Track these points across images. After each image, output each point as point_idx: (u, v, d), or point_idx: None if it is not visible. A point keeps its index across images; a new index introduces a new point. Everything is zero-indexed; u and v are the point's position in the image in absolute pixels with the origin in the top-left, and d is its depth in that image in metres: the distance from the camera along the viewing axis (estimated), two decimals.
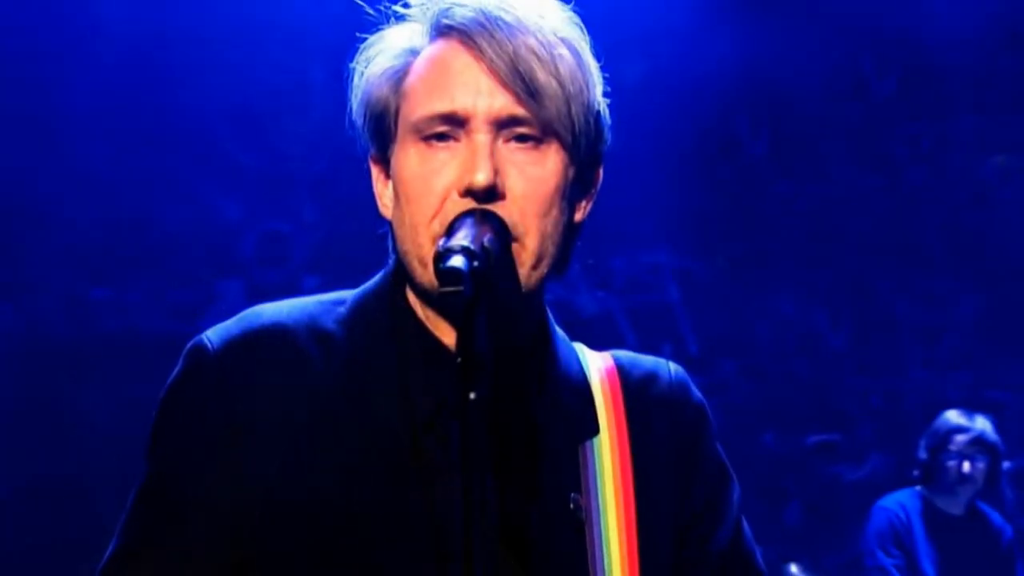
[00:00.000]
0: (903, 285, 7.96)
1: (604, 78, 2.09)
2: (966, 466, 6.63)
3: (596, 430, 2.11)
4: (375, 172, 2.10)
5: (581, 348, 2.19)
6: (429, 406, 2.02)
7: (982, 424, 6.71)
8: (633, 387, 2.16)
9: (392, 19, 2.10)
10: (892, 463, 7.66)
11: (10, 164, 6.76)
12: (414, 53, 2.05)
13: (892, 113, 7.95)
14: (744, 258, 7.87)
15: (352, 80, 2.10)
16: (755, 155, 7.94)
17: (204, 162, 7.04)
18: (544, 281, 2.05)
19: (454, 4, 2.02)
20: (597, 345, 2.22)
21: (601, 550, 2.06)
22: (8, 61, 6.75)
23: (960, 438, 6.66)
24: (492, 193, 1.97)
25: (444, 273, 1.84)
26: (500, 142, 1.99)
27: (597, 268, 7.54)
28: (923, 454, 6.75)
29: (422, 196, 1.99)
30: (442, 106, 1.99)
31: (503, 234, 1.96)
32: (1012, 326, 7.85)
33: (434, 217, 1.98)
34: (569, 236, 2.06)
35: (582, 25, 2.07)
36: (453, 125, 1.99)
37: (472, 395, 1.83)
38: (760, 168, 7.93)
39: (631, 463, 2.11)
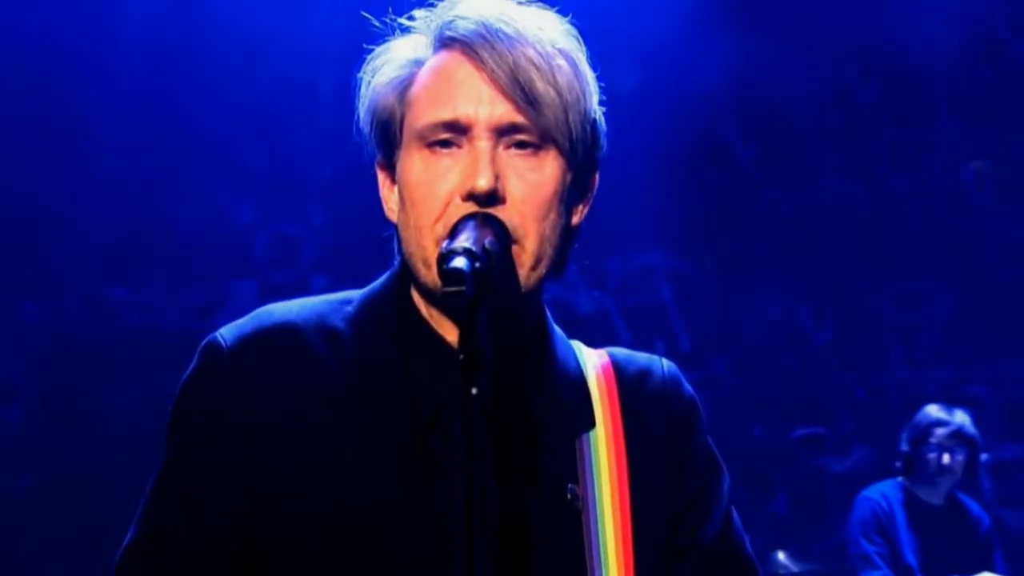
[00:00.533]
0: (885, 285, 7.96)
1: (600, 87, 2.09)
2: (946, 458, 6.63)
3: (592, 424, 2.11)
4: (381, 177, 2.10)
5: (578, 345, 2.19)
6: (433, 401, 2.03)
7: (961, 418, 6.71)
8: (628, 383, 2.16)
9: (397, 31, 2.10)
10: (875, 455, 7.66)
11: (35, 172, 6.77)
12: (418, 64, 2.05)
13: (875, 121, 7.95)
14: (733, 260, 7.87)
15: (359, 90, 2.10)
16: (744, 161, 7.94)
17: (218, 169, 7.04)
18: (543, 281, 2.05)
19: (456, 17, 2.02)
20: (593, 343, 2.22)
21: (597, 538, 2.06)
22: (33, 76, 6.76)
23: (940, 431, 6.67)
24: (493, 197, 1.97)
25: (447, 274, 1.84)
26: (501, 148, 1.99)
27: (593, 269, 7.54)
28: (905, 447, 6.75)
29: (426, 200, 1.99)
30: (445, 114, 1.99)
31: (503, 236, 1.96)
32: (989, 324, 7.85)
33: (438, 220, 1.98)
34: (567, 238, 2.06)
35: (579, 37, 2.07)
36: (456, 132, 1.99)
37: (474, 390, 1.83)
38: (749, 174, 7.93)
39: (626, 455, 2.10)
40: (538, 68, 1.98)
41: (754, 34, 7.52)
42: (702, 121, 7.62)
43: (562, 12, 2.08)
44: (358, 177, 2.21)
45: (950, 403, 6.85)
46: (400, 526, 1.99)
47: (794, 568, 6.68)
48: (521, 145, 2.00)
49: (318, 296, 2.15)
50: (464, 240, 1.89)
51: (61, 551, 6.54)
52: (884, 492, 6.73)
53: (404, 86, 2.04)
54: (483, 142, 1.98)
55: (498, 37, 1.99)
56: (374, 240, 2.18)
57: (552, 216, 2.01)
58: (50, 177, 6.77)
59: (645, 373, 2.18)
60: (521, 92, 1.97)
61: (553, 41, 2.02)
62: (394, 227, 2.09)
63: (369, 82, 2.08)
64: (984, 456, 6.86)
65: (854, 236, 7.90)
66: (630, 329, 7.75)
